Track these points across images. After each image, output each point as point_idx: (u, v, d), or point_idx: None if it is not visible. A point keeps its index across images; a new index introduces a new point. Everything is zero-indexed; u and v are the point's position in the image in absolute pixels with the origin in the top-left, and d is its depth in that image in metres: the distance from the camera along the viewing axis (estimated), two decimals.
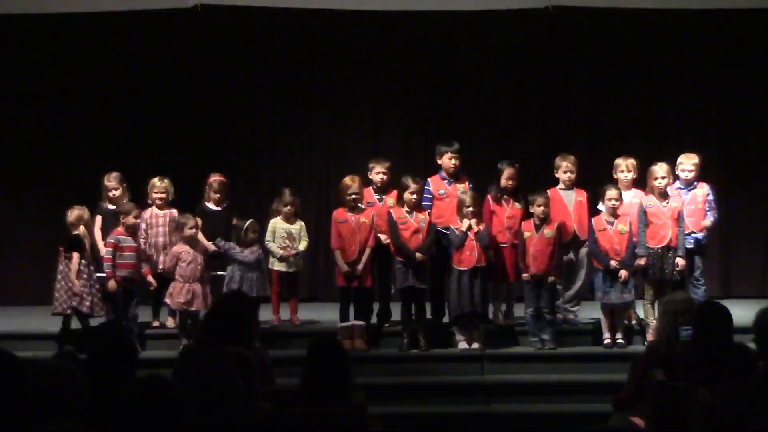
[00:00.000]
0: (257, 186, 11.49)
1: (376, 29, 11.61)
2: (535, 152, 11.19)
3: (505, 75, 11.64)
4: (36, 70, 11.54)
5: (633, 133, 11.41)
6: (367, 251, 8.92)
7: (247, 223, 9.07)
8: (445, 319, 9.13)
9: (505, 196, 9.08)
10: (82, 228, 8.91)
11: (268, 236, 9.25)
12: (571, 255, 9.21)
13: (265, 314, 9.09)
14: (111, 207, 9.34)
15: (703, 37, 11.58)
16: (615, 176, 9.24)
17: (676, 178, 9.16)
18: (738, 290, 11.32)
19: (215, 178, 9.53)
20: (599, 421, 6.71)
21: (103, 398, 4.06)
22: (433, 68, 11.74)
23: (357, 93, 11.72)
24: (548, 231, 8.80)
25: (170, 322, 9.27)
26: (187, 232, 8.93)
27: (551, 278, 8.79)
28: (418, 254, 8.76)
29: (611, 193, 8.84)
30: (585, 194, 9.25)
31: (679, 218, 8.88)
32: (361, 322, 8.93)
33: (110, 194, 9.40)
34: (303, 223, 9.41)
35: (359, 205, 8.98)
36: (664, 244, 8.83)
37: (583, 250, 9.17)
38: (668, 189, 8.99)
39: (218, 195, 9.47)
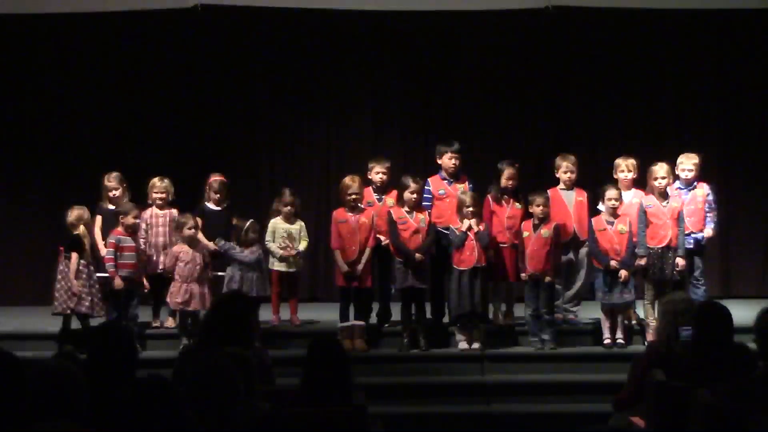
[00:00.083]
0: (257, 186, 11.50)
1: (376, 29, 11.61)
2: (535, 152, 11.20)
3: (505, 75, 11.64)
4: (36, 70, 11.54)
5: (633, 133, 11.41)
6: (367, 251, 8.92)
7: (248, 223, 9.07)
8: (445, 319, 9.13)
9: (505, 196, 9.08)
10: (82, 228, 8.90)
11: (268, 236, 9.25)
12: (571, 255, 9.21)
13: (265, 314, 9.11)
14: (111, 207, 9.34)
15: (703, 37, 11.59)
16: (615, 176, 9.24)
17: (676, 178, 9.16)
18: (738, 290, 11.33)
19: (215, 178, 9.54)
20: (599, 421, 6.72)
21: (103, 398, 4.06)
22: (433, 68, 11.74)
23: (357, 93, 11.73)
24: (545, 231, 8.80)
25: (170, 322, 9.28)
26: (186, 232, 8.93)
27: (548, 278, 8.78)
28: (417, 254, 8.76)
29: (611, 193, 8.84)
30: (585, 194, 9.25)
31: (679, 218, 8.88)
32: (361, 322, 8.93)
33: (110, 194, 9.40)
34: (303, 223, 9.41)
35: (359, 205, 8.98)
36: (664, 244, 8.83)
37: (583, 250, 9.17)
38: (668, 189, 8.99)
39: (218, 195, 9.47)
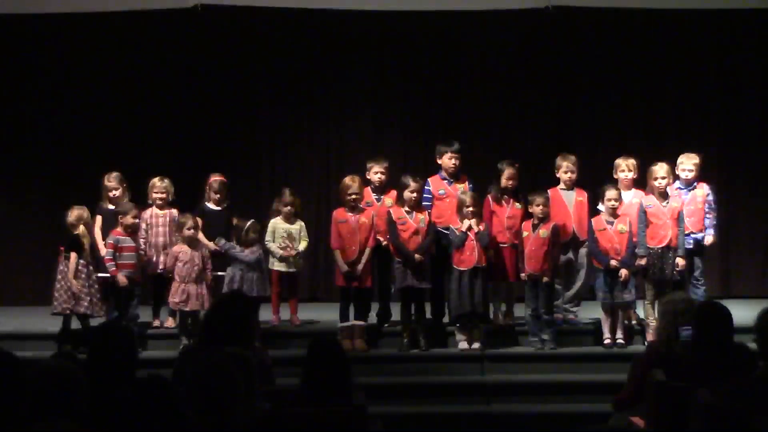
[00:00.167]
0: (257, 186, 11.50)
1: (376, 29, 11.61)
2: (535, 152, 11.19)
3: (505, 75, 11.64)
4: (36, 70, 11.54)
5: (633, 133, 11.42)
6: (367, 251, 8.92)
7: (248, 223, 9.07)
8: (445, 319, 9.13)
9: (506, 196, 9.08)
10: (82, 228, 8.90)
11: (268, 236, 9.25)
12: (570, 255, 9.21)
13: (265, 314, 9.11)
14: (111, 207, 9.33)
15: (703, 37, 11.59)
16: (615, 176, 9.23)
17: (676, 178, 9.16)
18: (738, 290, 11.32)
19: (215, 178, 9.54)
20: (599, 421, 6.72)
21: (103, 398, 4.06)
22: (433, 68, 11.74)
23: (357, 93, 11.73)
24: (544, 231, 8.80)
25: (170, 322, 9.28)
26: (186, 232, 8.93)
27: (545, 279, 8.78)
28: (416, 255, 8.76)
29: (611, 193, 8.84)
30: (585, 194, 9.25)
31: (679, 218, 8.87)
32: (362, 322, 8.92)
33: (110, 194, 9.40)
34: (303, 223, 9.41)
35: (359, 205, 8.98)
36: (664, 244, 8.83)
37: (583, 251, 9.17)
38: (668, 189, 8.99)
39: (218, 195, 9.47)
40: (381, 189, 9.25)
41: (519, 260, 8.89)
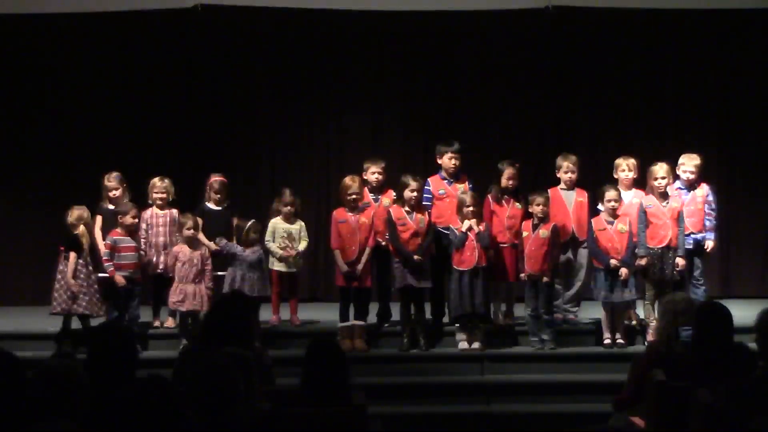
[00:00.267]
0: (257, 186, 11.49)
1: (376, 29, 11.61)
2: (535, 152, 11.20)
3: (505, 75, 11.62)
4: (36, 70, 11.53)
5: (633, 133, 11.41)
6: (367, 251, 8.93)
7: (249, 223, 9.07)
8: (445, 319, 9.13)
9: (506, 196, 9.08)
10: (82, 228, 8.90)
11: (268, 236, 9.24)
12: (570, 255, 9.21)
13: (265, 314, 9.11)
14: (111, 207, 9.33)
15: (703, 37, 11.57)
16: (615, 176, 9.23)
17: (676, 177, 9.16)
18: (738, 290, 11.32)
19: (215, 179, 9.54)
20: (599, 421, 6.71)
21: (103, 398, 4.06)
22: (432, 68, 11.74)
23: (357, 93, 11.71)
24: (543, 231, 8.80)
25: (170, 322, 9.27)
26: (186, 232, 8.94)
27: (545, 279, 8.78)
28: (415, 256, 8.75)
29: (610, 194, 8.84)
30: (586, 195, 9.25)
31: (679, 218, 8.88)
32: (361, 322, 8.93)
33: (110, 194, 9.40)
34: (303, 223, 9.41)
35: (359, 205, 8.98)
36: (664, 245, 8.83)
37: (583, 251, 9.17)
38: (668, 189, 8.99)
39: (218, 195, 9.47)
40: (378, 189, 9.24)
41: (519, 260, 8.90)
